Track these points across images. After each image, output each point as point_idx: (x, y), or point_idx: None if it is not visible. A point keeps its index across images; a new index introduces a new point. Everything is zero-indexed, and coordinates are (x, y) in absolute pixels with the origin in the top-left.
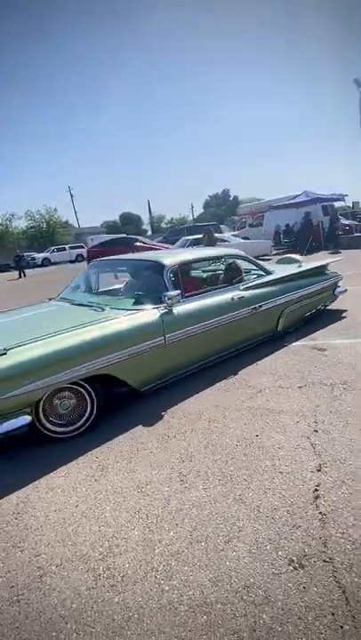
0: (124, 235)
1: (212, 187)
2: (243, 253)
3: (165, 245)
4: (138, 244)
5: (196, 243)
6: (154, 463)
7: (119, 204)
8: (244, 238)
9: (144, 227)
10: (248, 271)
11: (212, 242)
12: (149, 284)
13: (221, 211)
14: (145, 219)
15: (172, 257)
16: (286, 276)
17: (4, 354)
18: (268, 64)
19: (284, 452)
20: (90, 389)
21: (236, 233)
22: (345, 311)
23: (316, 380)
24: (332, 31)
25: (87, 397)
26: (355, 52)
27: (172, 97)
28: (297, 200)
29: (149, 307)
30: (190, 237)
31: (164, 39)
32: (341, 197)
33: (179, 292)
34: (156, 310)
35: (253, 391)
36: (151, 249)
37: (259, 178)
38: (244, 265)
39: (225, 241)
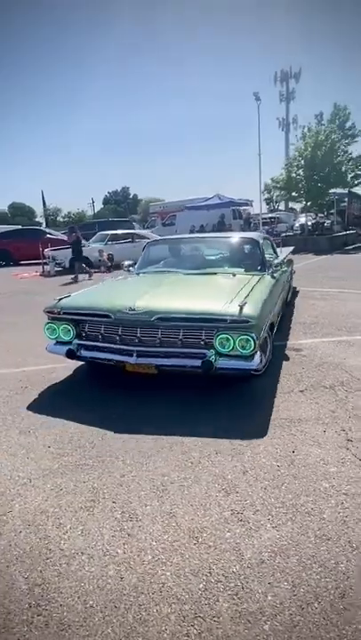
0: (21, 226)
1: (111, 183)
2: (269, 237)
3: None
4: (49, 235)
5: (115, 238)
6: (193, 501)
7: (6, 193)
8: None
9: (38, 219)
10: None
11: (78, 239)
12: (249, 255)
13: (121, 208)
14: (39, 211)
15: (255, 235)
16: (284, 259)
17: (246, 303)
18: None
19: (334, 469)
20: (271, 336)
21: (151, 231)
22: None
23: (313, 382)
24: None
25: (268, 343)
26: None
27: (74, 89)
28: (210, 202)
29: (260, 272)
30: (109, 232)
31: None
32: (249, 202)
33: (283, 259)
34: (268, 275)
35: (257, 398)
36: (62, 242)
37: (158, 178)
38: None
39: (146, 237)
